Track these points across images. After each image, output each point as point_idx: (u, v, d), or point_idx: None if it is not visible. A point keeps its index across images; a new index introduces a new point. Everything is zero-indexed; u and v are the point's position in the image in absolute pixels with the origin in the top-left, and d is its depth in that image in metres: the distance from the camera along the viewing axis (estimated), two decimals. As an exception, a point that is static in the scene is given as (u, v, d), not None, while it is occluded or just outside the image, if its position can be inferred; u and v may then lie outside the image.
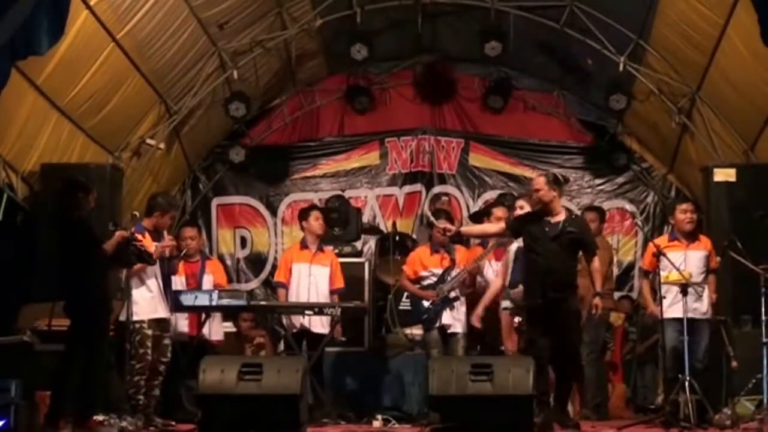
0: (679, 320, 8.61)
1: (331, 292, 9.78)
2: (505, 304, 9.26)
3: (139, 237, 8.51)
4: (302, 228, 10.04)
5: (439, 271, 9.65)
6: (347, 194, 12.35)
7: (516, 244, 8.94)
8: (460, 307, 9.63)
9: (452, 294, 9.55)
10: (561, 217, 8.18)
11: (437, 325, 9.54)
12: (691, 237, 9.07)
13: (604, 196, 12.26)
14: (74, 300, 8.01)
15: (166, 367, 8.86)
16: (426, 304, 9.60)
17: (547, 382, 8.03)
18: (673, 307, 8.73)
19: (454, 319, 9.56)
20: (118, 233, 8.21)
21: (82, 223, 8.09)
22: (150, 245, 8.61)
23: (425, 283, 9.70)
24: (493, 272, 9.65)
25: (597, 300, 8.22)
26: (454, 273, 9.59)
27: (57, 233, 8.20)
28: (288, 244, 12.05)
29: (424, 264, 9.76)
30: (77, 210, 8.10)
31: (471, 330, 9.61)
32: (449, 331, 9.54)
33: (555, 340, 8.00)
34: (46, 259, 8.79)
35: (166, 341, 8.86)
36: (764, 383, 8.40)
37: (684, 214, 9.09)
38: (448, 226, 9.01)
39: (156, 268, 8.79)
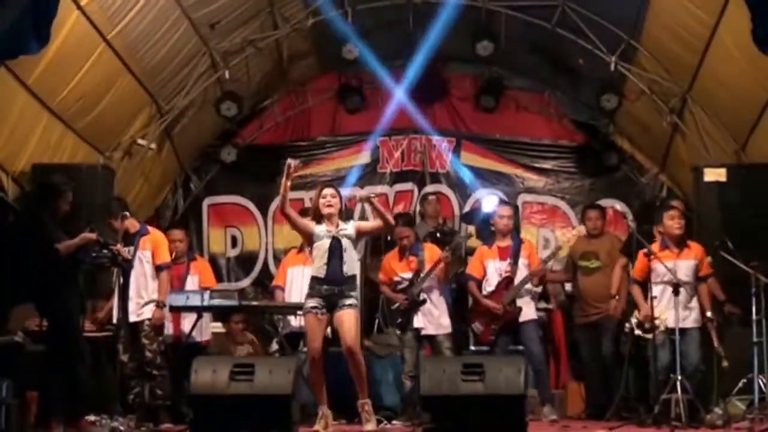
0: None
1: None
2: None
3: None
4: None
5: (408, 275, 9.70)
6: (337, 193, 12.34)
7: None
8: (434, 310, 9.65)
9: (421, 297, 9.59)
10: None
11: (411, 327, 9.61)
12: (681, 245, 8.96)
13: (595, 195, 12.22)
14: (36, 301, 8.05)
15: (144, 367, 8.85)
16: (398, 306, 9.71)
17: None
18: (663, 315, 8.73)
19: (428, 322, 9.60)
20: (82, 235, 8.19)
21: (32, 223, 8.08)
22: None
23: (399, 287, 9.76)
24: (496, 270, 9.68)
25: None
26: (422, 275, 9.63)
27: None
28: (278, 244, 12.07)
29: (394, 270, 9.82)
30: (51, 212, 8.09)
31: (459, 331, 9.65)
32: (423, 334, 9.59)
33: None
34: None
35: (144, 341, 8.87)
36: (755, 383, 8.43)
37: (672, 221, 8.97)
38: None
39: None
